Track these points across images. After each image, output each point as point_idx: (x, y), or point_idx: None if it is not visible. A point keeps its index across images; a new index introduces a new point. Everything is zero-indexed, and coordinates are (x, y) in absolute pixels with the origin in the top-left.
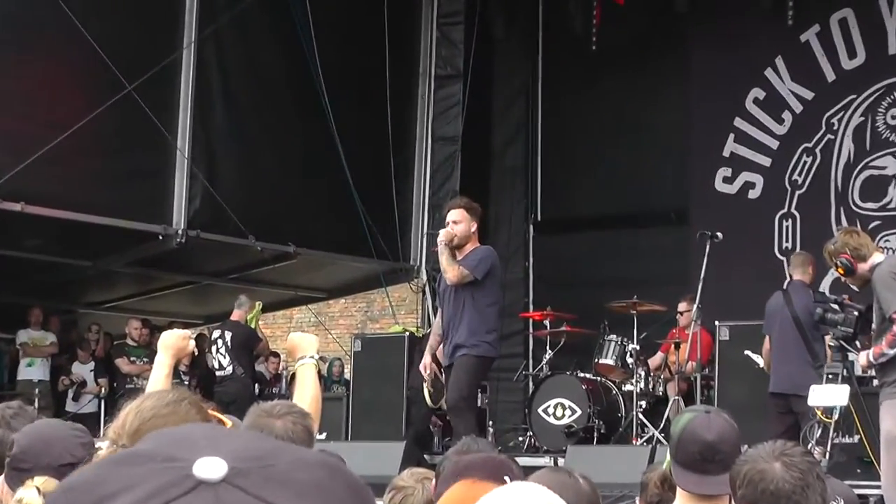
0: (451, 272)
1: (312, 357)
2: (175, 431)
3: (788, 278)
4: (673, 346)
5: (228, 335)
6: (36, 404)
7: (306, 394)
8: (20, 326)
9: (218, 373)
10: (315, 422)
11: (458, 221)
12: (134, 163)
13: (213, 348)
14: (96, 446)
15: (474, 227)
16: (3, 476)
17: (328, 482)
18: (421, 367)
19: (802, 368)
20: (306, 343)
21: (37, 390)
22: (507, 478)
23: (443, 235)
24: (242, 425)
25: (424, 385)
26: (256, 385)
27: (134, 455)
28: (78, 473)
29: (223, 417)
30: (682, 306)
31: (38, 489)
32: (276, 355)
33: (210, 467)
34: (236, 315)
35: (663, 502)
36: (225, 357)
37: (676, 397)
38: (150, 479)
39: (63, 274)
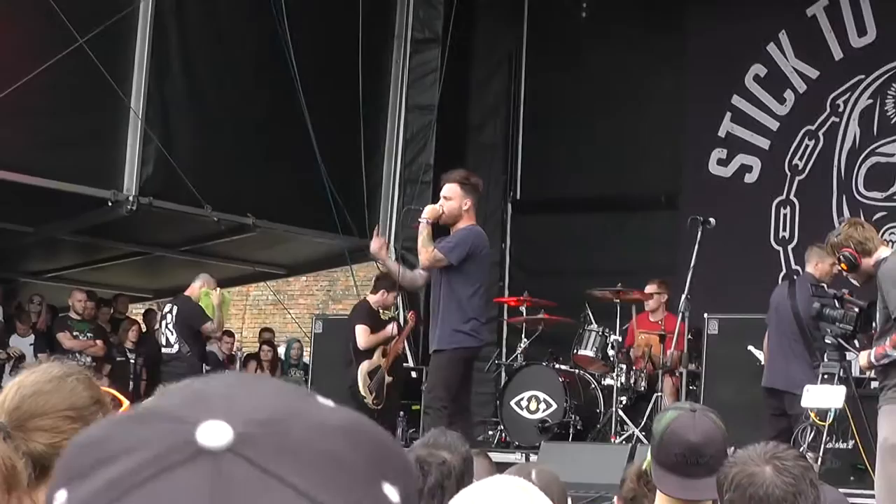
0: (423, 254)
1: None
2: (195, 385)
3: (797, 269)
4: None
5: (175, 310)
6: None
7: None
8: None
9: (164, 350)
10: None
11: (449, 198)
12: (83, 123)
13: (163, 324)
14: None
15: (468, 205)
16: None
17: (344, 450)
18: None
19: (800, 366)
20: None
21: None
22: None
23: (427, 212)
24: None
25: (361, 384)
26: (205, 366)
27: (143, 413)
28: (92, 428)
29: (119, 395)
30: (650, 288)
31: None
32: (231, 335)
33: (214, 434)
34: (190, 290)
35: (638, 498)
36: (172, 334)
37: (659, 394)
38: (151, 443)
39: (2, 240)
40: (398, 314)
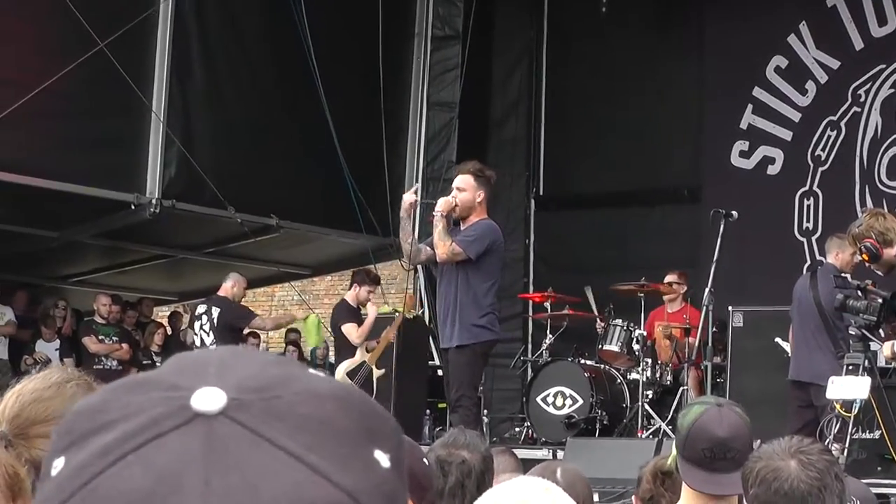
0: (441, 248)
1: None
2: (192, 355)
3: (820, 260)
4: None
5: (216, 312)
6: None
7: None
8: None
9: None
10: None
11: (463, 189)
12: (105, 126)
13: (197, 324)
14: None
15: (481, 197)
16: None
17: (335, 416)
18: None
19: (824, 357)
20: None
21: None
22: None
23: (440, 205)
24: None
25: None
26: None
27: (141, 381)
28: (91, 396)
29: None
30: (669, 277)
31: None
32: (256, 336)
33: (208, 399)
34: (224, 290)
35: (656, 498)
36: (209, 335)
37: (685, 387)
38: (148, 409)
39: (26, 245)
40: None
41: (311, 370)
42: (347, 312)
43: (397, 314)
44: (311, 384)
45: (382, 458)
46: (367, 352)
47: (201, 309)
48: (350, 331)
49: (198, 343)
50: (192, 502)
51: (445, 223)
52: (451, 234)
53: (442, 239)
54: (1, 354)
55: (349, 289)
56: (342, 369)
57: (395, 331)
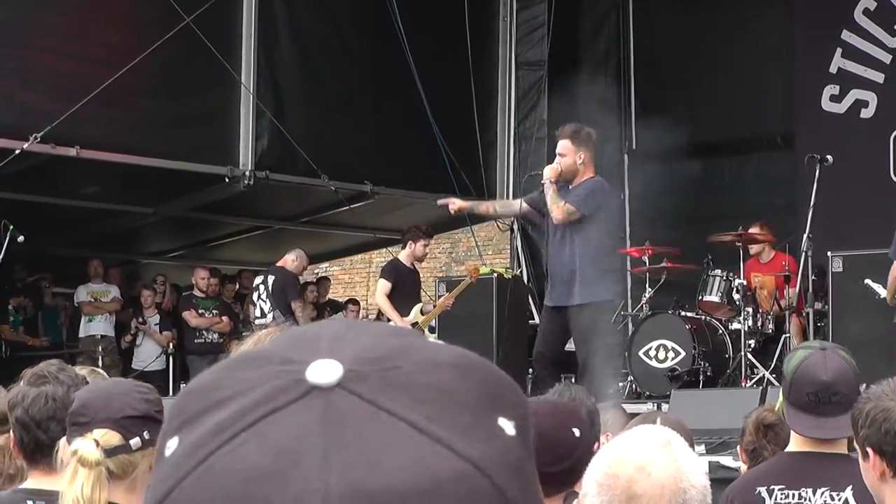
0: (556, 210)
1: None
2: (302, 330)
3: None
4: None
5: (271, 280)
6: (100, 362)
7: None
8: (79, 280)
9: (259, 321)
10: None
11: (563, 154)
12: (195, 101)
13: (255, 295)
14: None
15: (582, 157)
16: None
17: (456, 384)
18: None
19: None
20: None
21: (100, 347)
22: (575, 431)
23: (547, 172)
24: None
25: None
26: None
27: (253, 357)
28: (199, 376)
29: None
30: (753, 230)
31: (95, 441)
32: (356, 303)
33: (324, 371)
34: (283, 261)
35: (759, 450)
36: (266, 303)
37: (787, 335)
38: (262, 384)
39: (123, 222)
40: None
41: (430, 339)
42: (391, 270)
43: (467, 279)
44: (430, 353)
45: (507, 426)
46: (422, 314)
47: (258, 280)
48: (379, 287)
49: (257, 313)
50: (311, 477)
51: (555, 188)
52: (562, 195)
53: (555, 202)
54: (107, 332)
55: (402, 247)
56: None
57: (454, 297)
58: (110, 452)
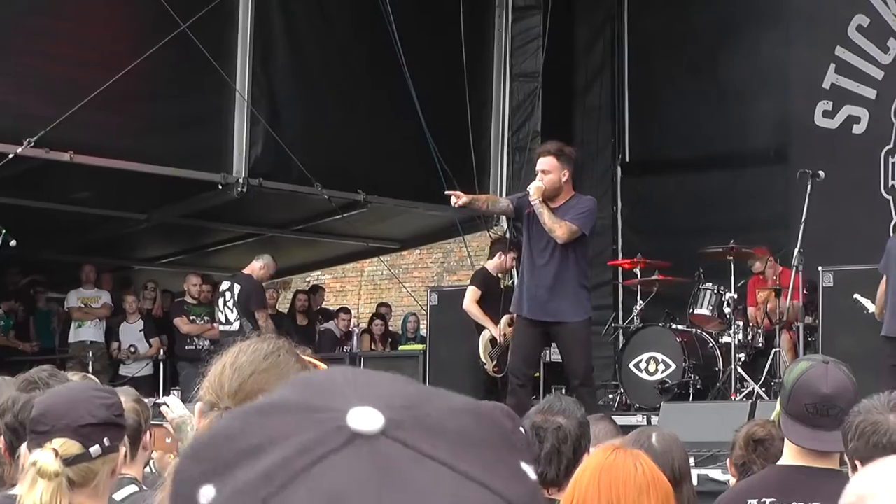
0: (559, 230)
1: None
2: (314, 377)
3: None
4: (759, 294)
5: (237, 289)
6: (90, 367)
7: None
8: (72, 285)
9: (223, 328)
10: None
11: (547, 171)
12: (190, 107)
13: (220, 301)
14: (157, 402)
15: (566, 175)
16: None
17: (475, 429)
18: (496, 332)
19: None
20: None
21: (90, 353)
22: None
23: (534, 192)
24: None
25: (482, 351)
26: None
27: (277, 405)
28: (214, 427)
29: (318, 363)
30: (757, 266)
31: (55, 451)
32: (347, 312)
33: (366, 418)
34: (250, 269)
35: (748, 464)
36: (232, 311)
37: (778, 349)
38: (298, 432)
39: (116, 228)
40: None
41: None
42: (482, 280)
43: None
44: (446, 399)
45: (529, 471)
46: (510, 326)
47: (224, 286)
48: (468, 294)
49: (222, 319)
50: None
51: (548, 206)
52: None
53: (556, 222)
54: (97, 337)
55: (490, 258)
56: (486, 336)
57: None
58: (70, 462)
